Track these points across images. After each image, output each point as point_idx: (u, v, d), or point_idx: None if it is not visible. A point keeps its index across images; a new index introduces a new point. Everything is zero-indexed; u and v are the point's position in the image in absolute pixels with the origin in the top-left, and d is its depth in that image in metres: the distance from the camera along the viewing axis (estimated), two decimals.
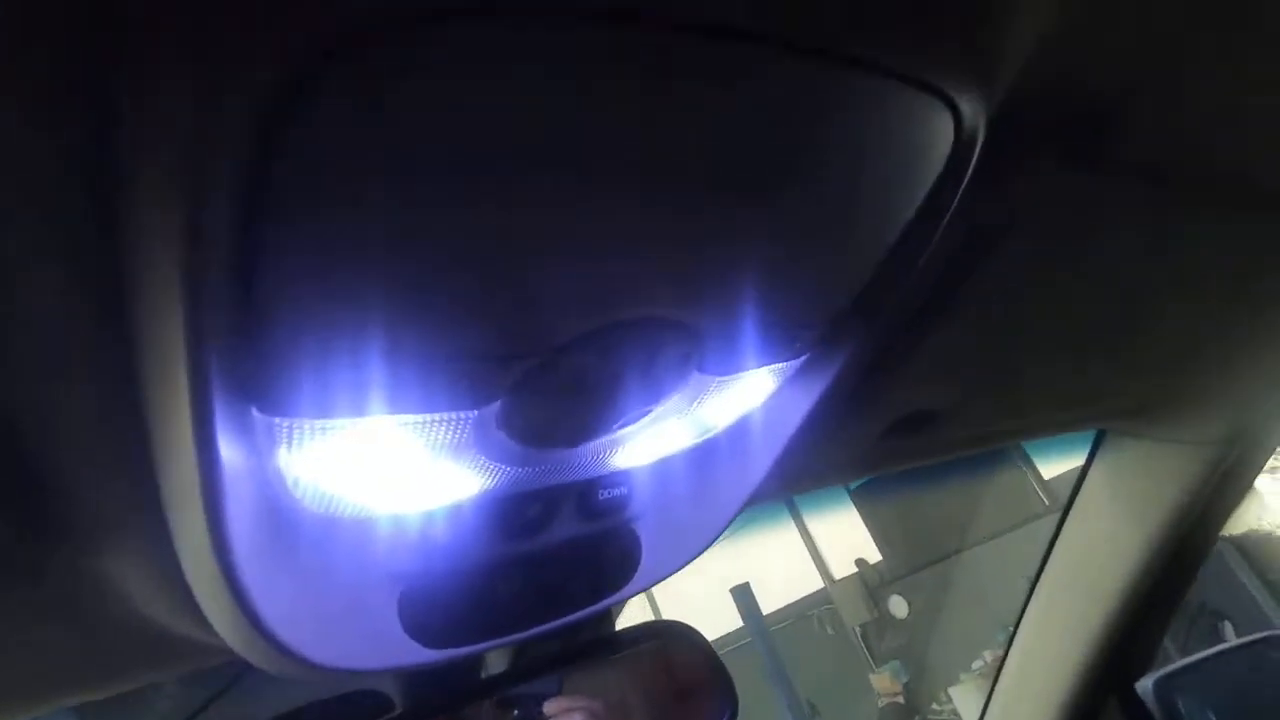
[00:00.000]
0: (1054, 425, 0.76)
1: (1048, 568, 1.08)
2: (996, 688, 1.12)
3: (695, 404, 0.36)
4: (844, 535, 4.34)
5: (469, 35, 0.16)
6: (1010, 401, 0.66)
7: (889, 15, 0.22)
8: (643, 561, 0.44)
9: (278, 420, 0.24)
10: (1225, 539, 3.15)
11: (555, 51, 0.18)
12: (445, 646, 0.35)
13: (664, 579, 0.47)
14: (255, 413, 0.24)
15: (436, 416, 0.27)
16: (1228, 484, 0.89)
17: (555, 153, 0.20)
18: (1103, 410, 0.78)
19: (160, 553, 0.28)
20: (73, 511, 0.27)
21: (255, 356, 0.22)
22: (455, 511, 0.34)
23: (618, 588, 0.43)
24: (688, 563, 0.48)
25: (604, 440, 0.35)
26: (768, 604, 4.43)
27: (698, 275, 0.27)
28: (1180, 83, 0.41)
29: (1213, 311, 0.66)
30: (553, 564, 0.40)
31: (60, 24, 0.16)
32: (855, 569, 4.29)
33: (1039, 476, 3.90)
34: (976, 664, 3.81)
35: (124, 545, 0.29)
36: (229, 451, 0.23)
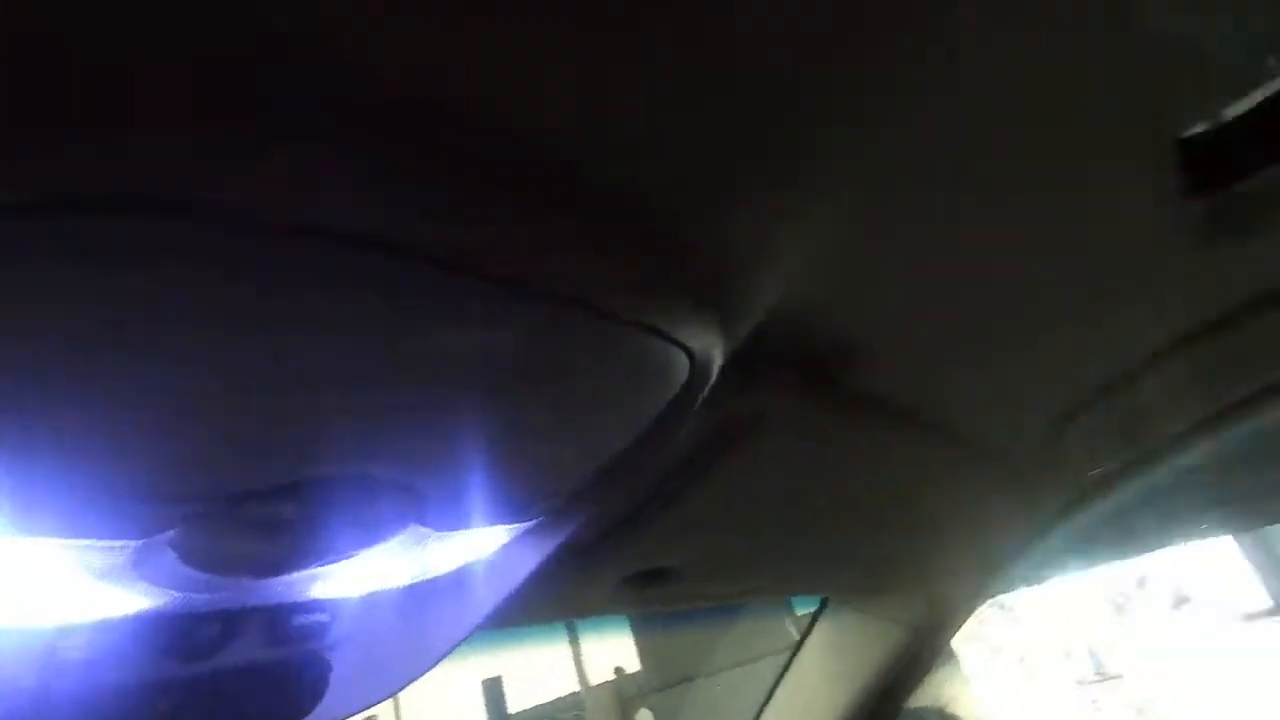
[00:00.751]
0: (780, 591, 0.84)
1: (766, 711, 1.15)
2: None
3: (415, 548, 0.36)
4: (612, 639, 4.33)
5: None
6: (741, 567, 0.72)
7: (617, 274, 0.25)
8: (330, 692, 0.41)
9: None
10: (929, 709, 3.64)
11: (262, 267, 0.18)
12: None
13: (359, 711, 0.44)
14: None
15: (88, 543, 0.25)
16: (916, 662, 1.01)
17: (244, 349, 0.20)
18: (821, 584, 0.87)
19: None
20: None
21: None
22: (105, 629, 0.31)
23: (296, 719, 0.40)
24: (389, 695, 0.46)
25: (303, 574, 0.33)
26: (520, 701, 4.26)
27: (410, 443, 0.27)
28: (900, 334, 0.50)
29: (903, 514, 0.78)
30: (222, 689, 0.36)
31: None
32: (613, 676, 4.27)
33: (792, 612, 4.20)
34: None
35: None
36: None
